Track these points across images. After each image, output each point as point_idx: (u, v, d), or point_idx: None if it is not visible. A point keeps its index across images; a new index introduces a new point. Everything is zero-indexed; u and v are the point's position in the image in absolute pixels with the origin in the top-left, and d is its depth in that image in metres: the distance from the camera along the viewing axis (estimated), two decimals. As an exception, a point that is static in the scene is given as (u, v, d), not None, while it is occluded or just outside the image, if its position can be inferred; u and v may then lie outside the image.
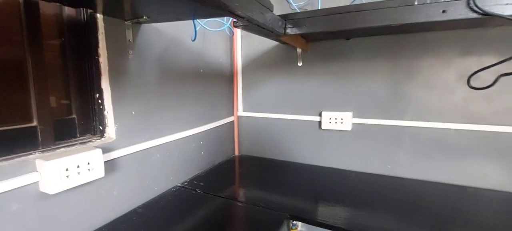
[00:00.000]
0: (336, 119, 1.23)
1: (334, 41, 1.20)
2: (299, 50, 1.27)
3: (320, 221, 0.84)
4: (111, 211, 0.84)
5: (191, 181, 1.14)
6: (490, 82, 0.68)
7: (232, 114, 1.49)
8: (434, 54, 1.05)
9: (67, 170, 0.66)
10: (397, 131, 1.15)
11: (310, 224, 0.89)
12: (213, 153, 1.34)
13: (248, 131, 1.49)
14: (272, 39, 0.92)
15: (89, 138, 0.81)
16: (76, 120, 0.80)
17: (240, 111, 1.49)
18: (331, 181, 1.15)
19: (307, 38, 1.17)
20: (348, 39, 1.17)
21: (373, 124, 1.19)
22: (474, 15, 0.60)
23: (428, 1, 0.63)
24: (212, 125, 1.32)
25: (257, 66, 1.42)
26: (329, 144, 1.29)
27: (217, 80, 1.35)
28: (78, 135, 0.80)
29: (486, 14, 0.59)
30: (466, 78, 0.83)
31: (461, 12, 0.61)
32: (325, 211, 0.90)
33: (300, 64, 1.29)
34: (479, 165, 1.04)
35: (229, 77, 1.45)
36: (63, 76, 0.77)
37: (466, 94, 1.02)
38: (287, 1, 1.24)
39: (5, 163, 0.59)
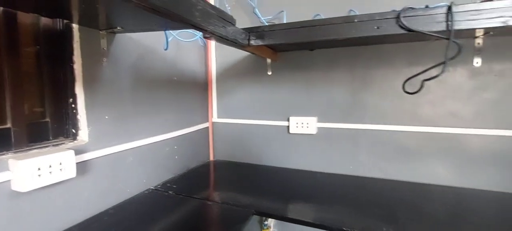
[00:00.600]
0: (302, 123, 1.33)
1: (299, 52, 1.31)
2: (268, 61, 1.37)
3: (284, 215, 0.92)
4: (83, 211, 0.87)
5: (164, 184, 1.19)
6: (422, 85, 0.79)
7: (207, 120, 1.55)
8: (386, 64, 1.18)
9: (39, 169, 0.70)
10: (356, 134, 1.26)
11: (275, 219, 0.96)
12: (187, 158, 1.39)
13: (223, 137, 1.56)
14: (240, 49, 1.01)
15: (62, 141, 0.84)
16: (50, 123, 0.84)
17: (215, 118, 1.56)
18: (298, 182, 1.23)
19: (275, 49, 1.27)
20: (311, 50, 1.29)
21: (335, 128, 1.30)
22: (402, 31, 0.72)
23: (365, 19, 0.75)
24: (187, 130, 1.37)
25: (230, 75, 1.50)
26: (296, 147, 1.38)
27: (191, 88, 1.42)
28: (51, 138, 0.84)
29: (410, 30, 0.70)
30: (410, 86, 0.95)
31: (391, 28, 0.73)
32: (291, 208, 0.98)
33: (269, 73, 1.39)
34: (428, 163, 1.16)
35: (203, 85, 1.53)
36: (38, 82, 0.81)
37: (414, 100, 1.15)
38: (257, 15, 1.34)
39: (-21, 161, 0.63)
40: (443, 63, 0.69)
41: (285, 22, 1.26)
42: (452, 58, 0.68)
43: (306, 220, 0.89)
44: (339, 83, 1.27)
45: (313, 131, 1.32)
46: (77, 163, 0.80)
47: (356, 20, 0.76)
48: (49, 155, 0.72)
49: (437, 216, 0.90)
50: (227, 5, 1.45)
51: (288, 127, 1.38)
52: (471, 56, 1.05)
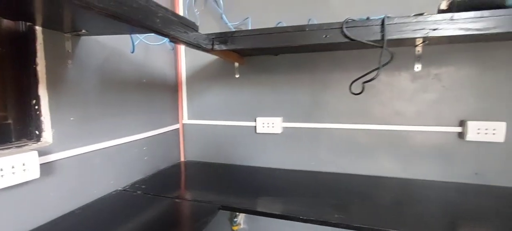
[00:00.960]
0: (268, 123, 1.41)
1: (265, 57, 1.40)
2: (236, 64, 1.44)
3: (248, 208, 0.99)
4: (49, 212, 0.87)
5: (133, 184, 1.21)
6: (363, 88, 0.90)
7: (177, 122, 1.59)
8: (341, 69, 1.29)
9: (1, 170, 0.71)
10: (317, 132, 1.37)
11: (240, 212, 1.02)
12: (157, 159, 1.42)
13: (193, 137, 1.60)
14: (207, 53, 1.07)
15: (25, 142, 0.85)
16: (12, 125, 0.84)
17: (185, 119, 1.60)
18: (264, 178, 1.30)
19: (242, 54, 1.34)
20: (276, 55, 1.38)
21: (298, 127, 1.39)
22: (345, 40, 0.82)
23: (314, 28, 0.84)
24: (156, 132, 1.40)
25: (200, 78, 1.55)
26: (263, 146, 1.46)
27: (161, 90, 1.45)
28: (13, 139, 0.84)
29: (351, 39, 0.81)
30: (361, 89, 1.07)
31: (336, 37, 0.83)
32: (256, 202, 1.04)
33: (237, 76, 1.46)
34: (378, 157, 1.29)
35: (173, 87, 1.56)
36: (0, 84, 0.81)
37: (366, 101, 1.27)
38: (224, 21, 1.41)
39: None
40: (377, 68, 0.80)
41: (250, 28, 1.34)
42: (385, 64, 0.80)
43: (268, 211, 0.96)
44: (302, 85, 1.37)
45: (279, 131, 1.41)
46: (41, 164, 0.81)
47: (307, 29, 0.85)
48: (11, 155, 0.73)
49: (383, 203, 1.02)
50: (196, 11, 1.50)
51: (255, 127, 1.45)
52: (412, 62, 1.19)
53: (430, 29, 0.76)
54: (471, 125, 1.13)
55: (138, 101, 1.28)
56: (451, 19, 0.74)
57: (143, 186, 1.19)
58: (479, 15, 0.73)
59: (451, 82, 1.16)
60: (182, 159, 1.62)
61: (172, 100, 1.55)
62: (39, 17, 0.78)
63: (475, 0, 0.76)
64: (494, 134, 1.11)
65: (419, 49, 1.17)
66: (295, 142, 1.41)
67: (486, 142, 1.13)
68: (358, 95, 1.17)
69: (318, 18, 1.26)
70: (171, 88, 1.54)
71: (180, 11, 1.52)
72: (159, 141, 1.42)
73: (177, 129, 1.59)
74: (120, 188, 1.16)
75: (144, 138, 1.31)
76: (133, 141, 1.24)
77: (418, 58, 1.18)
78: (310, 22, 1.27)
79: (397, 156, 1.26)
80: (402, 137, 1.25)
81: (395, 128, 1.25)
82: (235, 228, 1.48)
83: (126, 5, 0.57)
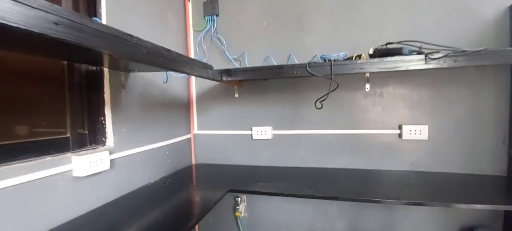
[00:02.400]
0: (261, 131, 1.85)
1: (258, 82, 1.84)
2: (235, 87, 1.88)
3: (247, 190, 1.40)
4: (113, 193, 1.27)
5: (161, 179, 1.61)
6: (322, 105, 1.35)
7: (190, 132, 2.01)
8: (314, 90, 1.73)
9: (90, 162, 1.12)
10: (298, 137, 1.80)
11: (242, 193, 1.43)
12: (175, 161, 1.82)
13: (202, 144, 2.02)
14: (216, 82, 1.50)
15: (96, 147, 1.26)
16: (87, 135, 1.25)
17: (196, 130, 2.02)
18: (259, 173, 1.72)
19: (240, 80, 1.78)
20: (266, 80, 1.82)
21: (284, 134, 1.83)
22: (309, 74, 1.28)
23: (289, 67, 1.30)
24: (175, 140, 1.81)
25: (207, 98, 1.99)
26: (258, 149, 1.89)
27: (178, 108, 1.88)
28: (88, 145, 1.25)
29: (312, 74, 1.26)
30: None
31: (303, 72, 1.28)
32: (253, 186, 1.46)
33: (237, 95, 1.90)
34: (343, 154, 1.73)
35: (186, 105, 1.99)
36: (82, 105, 1.23)
37: (333, 113, 1.72)
38: (226, 55, 1.87)
39: (60, 156, 1.04)
40: (327, 94, 1.25)
41: (246, 60, 1.80)
42: (333, 90, 1.25)
43: (262, 191, 1.38)
44: (286, 102, 1.81)
45: (270, 137, 1.85)
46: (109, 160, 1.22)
47: (284, 67, 1.30)
48: (95, 153, 1.15)
49: (344, 184, 1.45)
50: (204, 46, 1.96)
51: (251, 134, 1.89)
52: (363, 84, 1.66)
53: (359, 68, 1.23)
54: (405, 128, 1.59)
55: (163, 117, 1.70)
56: (371, 62, 1.21)
57: (169, 180, 1.59)
58: (387, 59, 1.20)
59: (390, 98, 1.63)
60: (194, 162, 2.03)
61: (185, 115, 1.97)
62: (106, 64, 1.21)
63: (387, 49, 1.23)
64: (420, 133, 1.57)
65: (367, 75, 1.64)
66: (282, 145, 1.84)
67: (416, 139, 1.59)
68: (328, 108, 1.64)
69: (296, 53, 1.73)
70: (185, 106, 1.97)
71: (192, 46, 1.97)
72: (176, 147, 1.83)
73: (190, 138, 2.01)
74: (152, 181, 1.56)
75: (167, 144, 1.72)
76: (160, 146, 1.65)
77: (367, 81, 1.65)
78: (290, 56, 1.73)
79: (356, 152, 1.71)
80: (360, 138, 1.69)
81: (355, 131, 1.70)
82: (237, 214, 1.88)
83: (169, 59, 1.01)
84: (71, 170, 1.08)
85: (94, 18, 1.05)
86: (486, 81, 1.49)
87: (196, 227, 2.05)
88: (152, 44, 0.87)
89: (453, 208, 1.56)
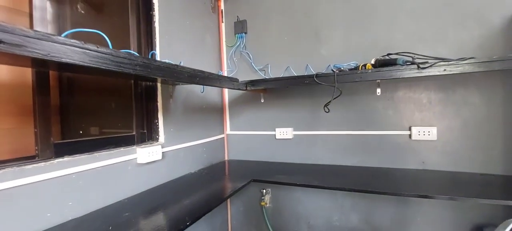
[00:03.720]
0: (283, 132, 2.12)
1: (280, 88, 2.12)
2: (261, 94, 2.18)
3: (269, 180, 1.69)
4: (163, 178, 1.66)
5: (199, 170, 1.97)
6: (328, 109, 1.57)
7: (223, 133, 2.36)
8: (329, 95, 1.95)
9: (148, 153, 1.52)
10: (315, 137, 2.03)
11: (264, 183, 1.72)
12: (211, 157, 2.19)
13: (233, 143, 2.36)
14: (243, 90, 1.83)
15: (151, 142, 1.66)
16: (146, 134, 1.66)
17: (228, 131, 2.37)
18: (281, 168, 1.99)
19: (265, 88, 2.08)
20: (287, 87, 2.09)
21: (303, 134, 2.08)
22: (318, 83, 1.52)
23: (301, 78, 1.56)
24: (211, 139, 2.18)
25: (237, 103, 2.33)
26: (280, 148, 2.16)
27: (213, 112, 2.24)
28: (146, 141, 1.66)
29: (319, 83, 1.50)
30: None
31: (312, 82, 1.53)
32: (275, 178, 1.74)
33: (262, 101, 2.20)
34: (356, 153, 1.91)
35: (220, 110, 2.35)
36: (142, 111, 1.64)
37: (347, 115, 1.92)
38: (253, 66, 2.18)
39: (128, 148, 1.45)
40: (330, 100, 1.48)
41: (269, 70, 2.10)
42: (336, 97, 1.48)
43: (283, 181, 1.65)
44: (305, 106, 2.06)
45: (291, 137, 2.11)
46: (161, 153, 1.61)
47: (298, 78, 1.57)
48: (151, 147, 1.54)
49: (355, 179, 1.65)
50: (234, 59, 2.30)
51: (275, 135, 2.17)
52: (375, 89, 1.83)
53: (359, 78, 1.43)
54: (414, 129, 1.72)
55: (201, 120, 2.07)
56: (369, 72, 1.41)
57: (205, 171, 1.95)
58: (383, 69, 1.39)
59: (400, 101, 1.77)
60: (226, 158, 2.38)
61: (220, 118, 2.34)
62: (159, 81, 1.60)
63: (385, 60, 1.42)
64: (429, 134, 1.69)
65: (378, 81, 1.81)
66: (301, 144, 2.09)
67: (425, 140, 1.71)
68: (343, 111, 1.85)
69: (312, 63, 1.97)
70: (219, 111, 2.33)
71: (225, 60, 2.33)
72: (212, 145, 2.20)
73: (223, 137, 2.36)
74: (192, 171, 1.93)
75: (204, 142, 2.09)
76: (199, 144, 2.03)
77: (378, 86, 1.81)
78: (307, 66, 1.98)
79: (369, 151, 1.88)
80: (372, 138, 1.86)
81: (367, 132, 1.88)
82: (263, 204, 2.17)
83: (203, 78, 1.35)
84: (136, 158, 1.49)
85: (152, 52, 1.45)
86: (494, 85, 1.56)
87: (229, 214, 2.39)
88: (191, 69, 1.23)
89: (463, 205, 1.65)
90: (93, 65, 0.76)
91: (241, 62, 2.29)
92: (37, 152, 1.09)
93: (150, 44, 1.63)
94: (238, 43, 2.26)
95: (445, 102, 1.67)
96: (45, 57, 0.64)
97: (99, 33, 0.99)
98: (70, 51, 0.71)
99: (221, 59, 2.34)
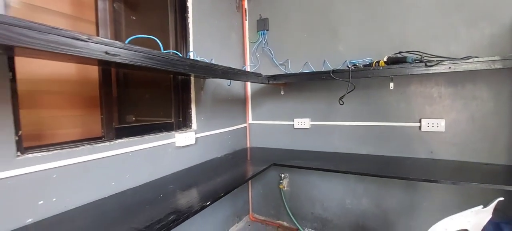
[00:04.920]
0: (301, 122, 2.31)
1: (298, 83, 2.30)
2: (282, 87, 2.37)
3: (287, 164, 1.90)
4: (196, 160, 1.92)
5: (224, 155, 2.22)
6: (343, 102, 1.74)
7: (245, 122, 2.59)
8: (344, 89, 2.11)
9: (185, 137, 1.77)
10: (332, 128, 2.21)
11: (283, 166, 1.93)
12: (235, 143, 2.42)
13: (255, 132, 2.58)
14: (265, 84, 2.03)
15: (185, 129, 1.91)
16: (181, 122, 1.91)
17: (250, 120, 2.59)
18: (299, 155, 2.19)
19: (284, 82, 2.27)
20: (305, 80, 2.27)
21: (320, 124, 2.26)
22: (333, 79, 1.69)
23: (317, 73, 1.73)
24: (235, 127, 2.41)
25: (259, 95, 2.53)
26: (298, 137, 2.35)
27: (237, 103, 2.47)
28: (181, 127, 1.91)
29: (335, 78, 1.67)
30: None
31: (329, 77, 1.70)
32: (294, 163, 1.95)
33: (282, 93, 2.40)
34: (370, 142, 2.07)
35: (243, 101, 2.57)
36: (178, 102, 1.89)
37: (362, 107, 2.08)
38: (274, 61, 2.37)
39: (168, 133, 1.71)
40: (344, 94, 1.65)
41: (289, 65, 2.28)
42: (350, 91, 1.64)
43: (300, 166, 1.86)
44: (321, 98, 2.23)
45: (308, 126, 2.29)
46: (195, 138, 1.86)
47: (316, 74, 1.74)
48: (186, 133, 1.79)
49: (367, 165, 1.83)
50: (257, 54, 2.50)
51: (293, 124, 2.36)
52: (388, 83, 1.96)
53: (371, 74, 1.59)
54: (424, 121, 1.86)
55: (227, 110, 2.30)
56: (381, 69, 1.56)
57: (230, 155, 2.19)
58: (394, 66, 1.54)
59: (412, 95, 1.91)
60: (248, 145, 2.61)
61: (242, 108, 2.56)
62: (192, 75, 1.84)
63: (396, 58, 1.56)
64: (438, 126, 1.82)
65: (392, 77, 1.94)
66: (318, 133, 2.27)
67: (434, 131, 1.84)
68: (357, 103, 2.02)
69: (329, 58, 2.13)
70: (242, 102, 2.55)
71: (248, 55, 2.54)
72: (236, 133, 2.43)
73: (245, 126, 2.59)
74: (219, 155, 2.18)
75: (229, 130, 2.33)
76: (225, 131, 2.26)
77: (392, 80, 1.95)
78: (325, 61, 2.14)
79: (381, 141, 2.03)
80: (385, 129, 2.01)
81: (380, 124, 2.03)
82: (281, 186, 2.39)
83: (233, 73, 1.56)
84: (175, 142, 1.74)
85: (190, 52, 1.68)
86: (503, 82, 1.65)
87: (250, 196, 2.64)
88: (223, 66, 1.45)
89: (467, 191, 1.78)
90: (156, 67, 0.99)
91: (263, 58, 2.48)
92: (103, 134, 1.36)
93: (185, 43, 1.86)
94: (260, 39, 2.45)
95: (454, 97, 1.78)
96: (128, 63, 0.87)
97: (153, 39, 1.23)
98: (141, 57, 0.94)
99: (244, 54, 2.55)
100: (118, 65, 1.04)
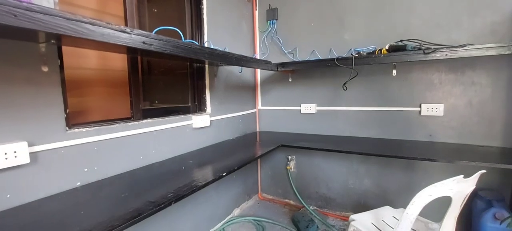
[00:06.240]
0: (308, 107, 2.45)
1: (306, 70, 2.43)
2: (289, 74, 2.51)
3: (294, 145, 2.06)
4: (211, 141, 2.10)
5: (236, 137, 2.39)
6: (346, 87, 1.86)
7: (255, 107, 2.75)
8: (347, 75, 2.23)
9: (201, 120, 1.95)
10: (336, 112, 2.34)
11: (291, 147, 2.10)
12: (245, 127, 2.59)
13: (264, 117, 2.74)
14: (274, 71, 2.17)
15: (201, 112, 2.09)
16: (197, 106, 2.09)
17: (259, 106, 2.75)
18: (305, 138, 2.35)
19: (292, 69, 2.40)
20: (312, 68, 2.39)
21: (326, 109, 2.39)
22: (338, 65, 1.82)
23: (323, 60, 1.86)
24: (245, 112, 2.57)
25: (268, 82, 2.68)
26: (305, 121, 2.50)
27: (247, 89, 2.62)
28: (197, 111, 2.08)
29: (339, 65, 1.80)
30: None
31: (333, 64, 1.83)
32: (300, 144, 2.11)
33: (290, 80, 2.53)
34: (373, 126, 2.20)
35: (253, 87, 2.72)
36: (194, 87, 2.06)
37: (366, 92, 2.20)
38: (283, 50, 2.50)
39: (186, 115, 1.88)
40: (347, 80, 1.77)
41: (297, 53, 2.41)
42: (352, 77, 1.77)
43: (304, 146, 2.02)
44: (327, 85, 2.36)
45: (314, 111, 2.43)
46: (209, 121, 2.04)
47: (321, 61, 1.87)
48: (202, 116, 1.97)
49: (366, 146, 1.97)
50: (266, 43, 2.63)
51: (300, 110, 2.51)
52: (391, 70, 2.07)
53: (373, 61, 1.71)
54: (424, 106, 1.97)
55: (238, 96, 2.46)
56: (382, 57, 1.68)
57: (241, 139, 2.37)
58: (394, 54, 1.65)
59: (413, 81, 2.02)
60: (258, 129, 2.78)
61: (252, 95, 2.71)
62: (207, 63, 1.99)
63: (397, 46, 1.67)
64: (437, 110, 1.93)
65: (395, 64, 2.05)
66: (324, 118, 2.42)
67: (433, 115, 1.96)
68: (361, 89, 2.14)
69: (336, 46, 2.24)
70: (252, 88, 2.70)
71: (258, 43, 2.67)
72: (246, 118, 2.60)
73: (255, 111, 2.75)
74: (231, 138, 2.35)
75: (240, 115, 2.49)
76: (236, 115, 2.43)
77: (394, 67, 2.05)
78: (331, 49, 2.26)
79: (383, 125, 2.16)
80: (386, 114, 2.14)
81: (383, 108, 2.15)
82: (288, 167, 2.56)
83: (247, 61, 1.71)
84: (192, 123, 1.92)
85: (206, 40, 1.83)
86: (501, 68, 1.74)
87: (259, 177, 2.82)
88: (237, 54, 1.60)
89: (463, 171, 1.90)
90: (182, 55, 1.15)
91: (272, 46, 2.61)
92: (132, 114, 1.54)
93: (200, 33, 2.01)
94: (270, 29, 2.57)
95: (454, 83, 1.88)
96: (159, 51, 1.04)
97: (176, 30, 1.39)
98: (170, 46, 1.10)
99: (254, 43, 2.68)
100: (149, 53, 1.21)
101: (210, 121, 2.08)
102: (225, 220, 2.31)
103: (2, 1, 0.58)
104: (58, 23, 0.68)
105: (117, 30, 0.84)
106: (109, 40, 0.82)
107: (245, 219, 2.33)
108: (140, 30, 0.93)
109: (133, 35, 0.90)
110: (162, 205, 0.99)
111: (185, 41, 1.24)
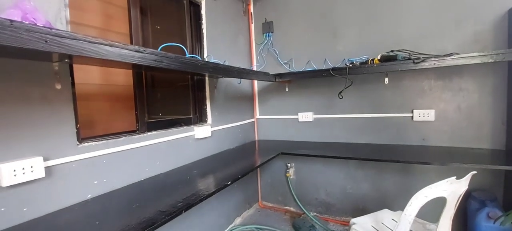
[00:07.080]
0: (305, 115, 2.53)
1: (302, 79, 2.52)
2: (286, 84, 2.59)
3: (293, 153, 2.12)
4: (212, 151, 2.15)
5: (235, 147, 2.44)
6: (342, 96, 1.95)
7: (253, 117, 2.81)
8: (342, 84, 2.32)
9: (203, 130, 2.00)
10: (333, 120, 2.43)
11: (289, 155, 2.16)
12: (244, 137, 2.65)
13: (262, 126, 2.81)
14: (271, 82, 2.25)
15: (202, 123, 2.15)
16: (198, 117, 2.15)
17: (258, 115, 2.82)
18: (303, 146, 2.42)
19: (289, 79, 2.49)
20: (308, 78, 2.48)
21: (322, 117, 2.47)
22: (332, 75, 1.91)
23: (319, 71, 1.95)
24: (244, 122, 2.64)
25: (265, 92, 2.76)
26: (302, 129, 2.57)
27: (245, 99, 2.69)
28: (197, 122, 2.14)
29: (333, 75, 1.89)
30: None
31: (328, 74, 1.92)
32: (298, 151, 2.17)
33: (287, 90, 2.61)
34: (366, 132, 2.29)
35: (251, 97, 2.79)
36: (195, 99, 2.12)
37: (360, 100, 2.29)
38: (279, 61, 2.59)
39: (188, 127, 1.94)
40: (342, 90, 1.86)
41: (293, 64, 2.50)
42: (348, 86, 1.86)
43: (304, 153, 2.08)
44: (324, 94, 2.45)
45: (311, 120, 2.51)
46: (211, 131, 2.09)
47: (317, 71, 1.96)
48: (203, 126, 2.03)
49: (361, 152, 2.05)
50: (263, 54, 2.72)
51: (297, 118, 2.58)
52: (383, 78, 2.17)
53: (366, 71, 1.81)
54: (416, 112, 2.07)
55: (237, 106, 2.53)
56: (375, 66, 1.77)
57: (241, 148, 2.42)
58: (385, 64, 1.75)
59: (405, 89, 2.12)
60: (256, 138, 2.84)
61: (250, 105, 2.79)
62: (207, 75, 2.06)
63: (388, 56, 1.77)
64: (428, 115, 2.03)
65: (387, 73, 2.15)
66: (320, 126, 2.49)
67: (425, 120, 2.06)
68: (356, 97, 2.23)
69: (330, 57, 2.34)
70: (250, 98, 2.78)
71: (254, 55, 2.76)
72: (245, 127, 2.66)
73: (253, 121, 2.82)
74: (230, 147, 2.41)
75: (239, 124, 2.56)
76: (235, 125, 2.49)
77: (386, 75, 2.15)
78: (325, 60, 2.36)
79: (377, 131, 2.25)
80: (380, 120, 2.23)
81: (377, 115, 2.24)
82: (288, 175, 2.62)
83: (247, 73, 1.79)
84: (194, 134, 1.97)
85: (207, 55, 1.90)
86: (486, 75, 1.85)
87: (259, 185, 2.87)
88: (238, 67, 1.67)
89: (456, 173, 1.99)
90: (189, 70, 1.22)
91: (269, 57, 2.70)
92: (137, 127, 1.59)
93: (200, 47, 2.09)
94: (266, 41, 2.67)
95: (443, 89, 1.99)
96: (168, 68, 1.10)
97: (180, 46, 1.46)
98: (178, 62, 1.17)
99: (251, 55, 2.77)
100: (158, 69, 1.27)
101: (211, 131, 2.13)
102: (227, 229, 2.35)
103: (35, 29, 0.64)
104: (82, 46, 0.74)
105: (131, 50, 0.91)
106: (125, 60, 0.88)
107: (247, 228, 2.37)
108: (152, 49, 1.00)
109: (146, 54, 0.96)
110: (173, 214, 1.03)
111: (189, 56, 1.31)
